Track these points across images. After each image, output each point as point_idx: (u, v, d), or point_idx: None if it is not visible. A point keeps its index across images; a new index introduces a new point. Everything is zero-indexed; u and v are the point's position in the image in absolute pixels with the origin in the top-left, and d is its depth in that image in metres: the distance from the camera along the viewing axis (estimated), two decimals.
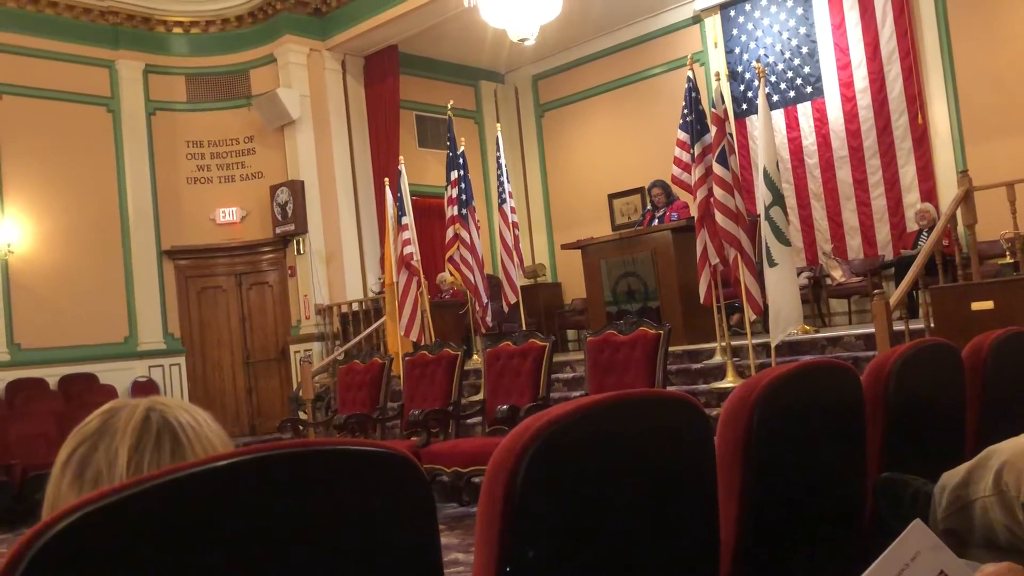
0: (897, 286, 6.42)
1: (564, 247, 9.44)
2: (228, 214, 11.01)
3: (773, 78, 10.15)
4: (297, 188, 10.70)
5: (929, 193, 9.22)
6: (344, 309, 10.45)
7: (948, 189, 8.74)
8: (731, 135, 6.68)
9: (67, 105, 10.21)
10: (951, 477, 1.58)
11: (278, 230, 10.82)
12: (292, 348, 10.80)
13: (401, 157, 9.16)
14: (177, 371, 10.65)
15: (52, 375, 9.71)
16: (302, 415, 8.71)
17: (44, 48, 10.05)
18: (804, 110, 10.08)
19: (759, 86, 6.67)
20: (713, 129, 6.54)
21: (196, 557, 0.72)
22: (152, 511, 0.71)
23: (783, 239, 6.11)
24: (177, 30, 10.97)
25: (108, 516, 0.68)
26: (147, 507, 0.70)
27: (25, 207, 9.81)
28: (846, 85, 9.76)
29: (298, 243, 10.78)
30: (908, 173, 9.43)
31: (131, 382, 10.20)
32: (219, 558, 0.74)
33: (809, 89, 10.05)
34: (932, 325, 5.70)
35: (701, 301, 6.63)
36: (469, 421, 6.66)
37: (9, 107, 9.82)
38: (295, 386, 10.03)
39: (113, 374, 10.05)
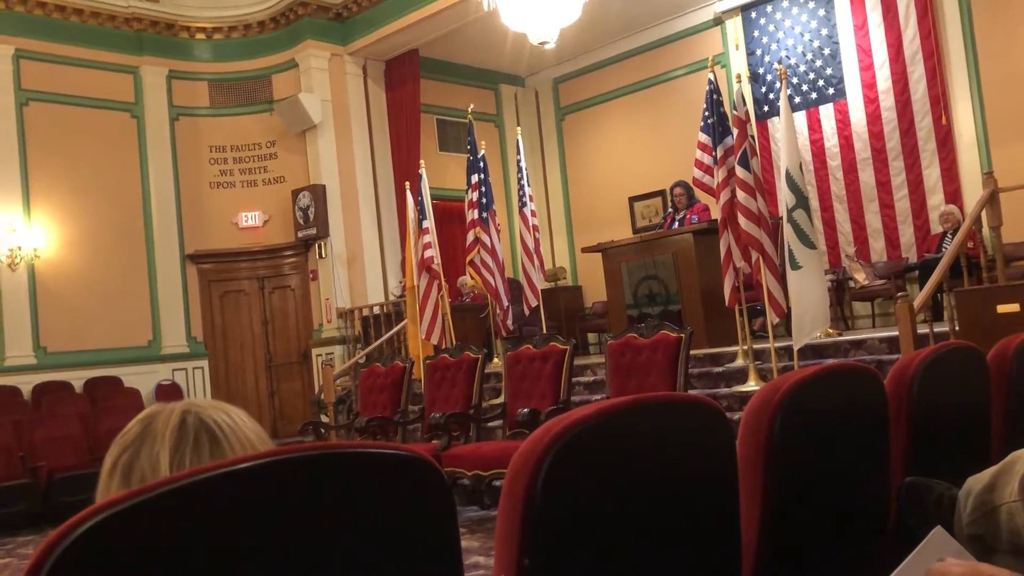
0: (921, 289, 6.35)
1: (584, 250, 9.42)
2: (250, 218, 11.10)
3: (795, 80, 10.10)
4: (319, 192, 10.76)
5: (954, 195, 9.13)
6: (365, 312, 10.49)
7: (973, 191, 8.66)
8: (753, 137, 6.64)
9: (92, 111, 10.34)
10: (976, 482, 1.56)
11: (300, 234, 10.88)
12: (314, 351, 10.85)
13: (422, 161, 9.19)
14: (200, 374, 10.74)
15: (77, 378, 9.82)
16: (324, 418, 8.74)
17: (69, 55, 10.18)
18: (826, 112, 10.02)
19: (781, 88, 6.63)
20: (735, 131, 6.51)
21: (220, 558, 0.73)
22: (176, 512, 0.72)
23: (808, 242, 6.06)
24: (200, 36, 11.07)
25: (132, 517, 0.69)
26: (171, 508, 0.71)
27: (51, 212, 9.93)
28: (869, 86, 9.69)
29: (320, 247, 10.84)
30: (932, 175, 9.34)
31: (155, 385, 10.30)
32: (241, 559, 0.74)
33: (831, 91, 9.98)
34: (957, 328, 5.64)
35: (726, 304, 6.59)
36: (490, 424, 6.67)
37: (36, 113, 9.96)
38: (317, 389, 10.08)
39: (137, 377, 10.14)
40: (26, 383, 9.47)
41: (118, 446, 0.94)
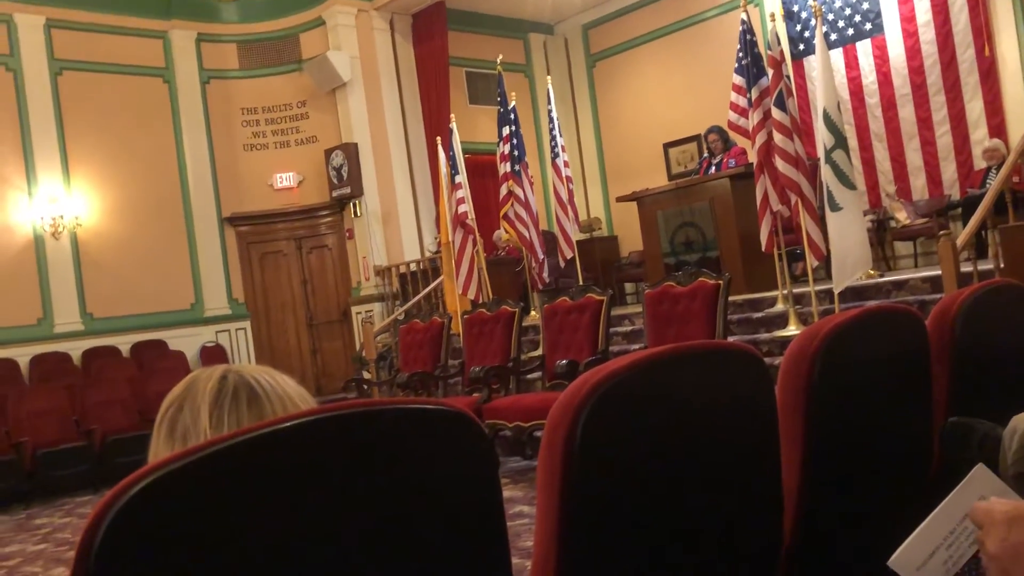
0: (964, 226, 6.23)
1: (619, 199, 9.35)
2: (285, 179, 11.16)
3: (831, 16, 9.83)
4: (351, 151, 10.77)
5: (998, 128, 8.89)
6: (402, 269, 10.55)
7: (1018, 123, 8.44)
8: (788, 77, 6.50)
9: (124, 78, 10.40)
10: (1021, 421, 1.55)
11: (334, 193, 10.93)
12: (353, 309, 10.96)
13: (452, 115, 9.14)
14: (243, 335, 10.91)
15: (124, 343, 10.03)
16: (366, 374, 8.87)
17: (99, 22, 10.22)
18: (864, 48, 9.76)
19: (816, 25, 6.47)
20: (770, 72, 6.38)
21: (267, 514, 0.75)
22: (224, 471, 0.74)
23: (847, 182, 5.96)
24: None
25: (182, 477, 0.71)
26: (219, 468, 0.73)
27: (90, 180, 10.06)
28: (907, 20, 9.40)
29: (355, 205, 10.89)
30: (975, 109, 9.09)
31: (199, 347, 10.49)
32: (287, 515, 0.76)
33: (868, 26, 9.71)
34: (1002, 265, 5.54)
35: (763, 248, 6.53)
36: (529, 376, 6.71)
37: (69, 82, 10.04)
38: (358, 346, 10.21)
39: (182, 340, 10.34)
40: (75, 349, 9.70)
41: (166, 403, 1.01)
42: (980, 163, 8.74)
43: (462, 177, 8.40)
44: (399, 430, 0.86)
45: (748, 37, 6.64)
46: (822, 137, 6.04)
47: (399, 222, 10.88)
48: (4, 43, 9.71)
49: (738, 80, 6.86)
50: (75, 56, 10.08)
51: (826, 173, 5.98)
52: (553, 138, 8.61)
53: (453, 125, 8.68)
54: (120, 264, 10.09)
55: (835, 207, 5.92)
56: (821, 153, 6.07)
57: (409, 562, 0.85)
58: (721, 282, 5.26)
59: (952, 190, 9.21)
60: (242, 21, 11.14)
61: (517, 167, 8.39)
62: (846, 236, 5.91)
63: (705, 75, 10.88)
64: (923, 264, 8.80)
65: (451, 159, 8.52)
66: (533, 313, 8.33)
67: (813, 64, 9.45)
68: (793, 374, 1.46)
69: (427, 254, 10.58)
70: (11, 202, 9.61)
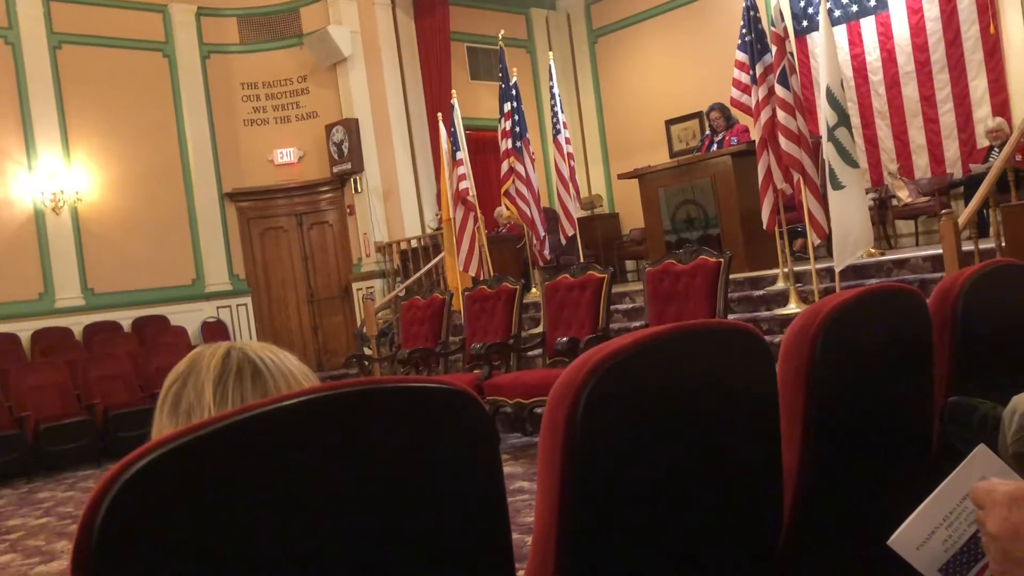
0: (966, 205, 6.21)
1: (621, 177, 9.32)
2: (285, 155, 11.12)
3: None
4: (352, 126, 10.73)
5: (1001, 107, 8.85)
6: (403, 246, 10.54)
7: (1022, 102, 8.40)
8: (792, 54, 6.46)
9: (124, 52, 10.34)
10: (1021, 401, 1.55)
11: (335, 169, 10.90)
12: (354, 286, 10.97)
13: (453, 91, 9.09)
14: (244, 311, 10.92)
15: (125, 318, 10.04)
16: (367, 351, 8.88)
17: None
18: (868, 25, 9.69)
19: (820, 1, 6.41)
20: (773, 48, 6.34)
21: (268, 491, 0.75)
22: (226, 449, 0.74)
23: (850, 160, 5.93)
24: None
25: (185, 454, 0.71)
26: (221, 445, 0.73)
27: (90, 155, 10.03)
28: None
29: (355, 181, 10.86)
30: (979, 87, 9.04)
31: (200, 323, 10.50)
32: (288, 492, 0.77)
33: (873, 2, 9.64)
34: (1003, 245, 5.52)
35: (764, 227, 6.51)
36: (530, 353, 6.72)
37: (69, 56, 9.98)
38: (359, 323, 10.21)
39: (183, 315, 10.35)
40: (76, 324, 9.71)
41: (169, 379, 1.01)
42: (983, 141, 8.71)
43: (463, 153, 8.37)
44: (401, 407, 0.86)
45: (751, 13, 6.59)
46: (825, 115, 6.01)
47: (400, 198, 10.85)
48: (2, 16, 9.64)
49: (741, 57, 6.82)
50: (74, 30, 10.02)
51: (828, 151, 5.95)
52: (555, 114, 8.57)
53: (454, 101, 8.64)
54: (121, 239, 10.09)
55: (837, 185, 5.90)
56: (824, 131, 6.04)
57: (410, 537, 0.86)
58: (722, 260, 5.26)
59: (954, 168, 9.18)
60: None
61: (518, 143, 8.36)
62: (848, 214, 5.90)
63: (708, 52, 10.82)
64: (924, 243, 8.79)
65: (452, 135, 8.49)
66: (534, 290, 8.32)
67: (816, 41, 9.38)
68: (794, 353, 1.46)
69: (428, 231, 10.56)
70: (11, 177, 9.58)
